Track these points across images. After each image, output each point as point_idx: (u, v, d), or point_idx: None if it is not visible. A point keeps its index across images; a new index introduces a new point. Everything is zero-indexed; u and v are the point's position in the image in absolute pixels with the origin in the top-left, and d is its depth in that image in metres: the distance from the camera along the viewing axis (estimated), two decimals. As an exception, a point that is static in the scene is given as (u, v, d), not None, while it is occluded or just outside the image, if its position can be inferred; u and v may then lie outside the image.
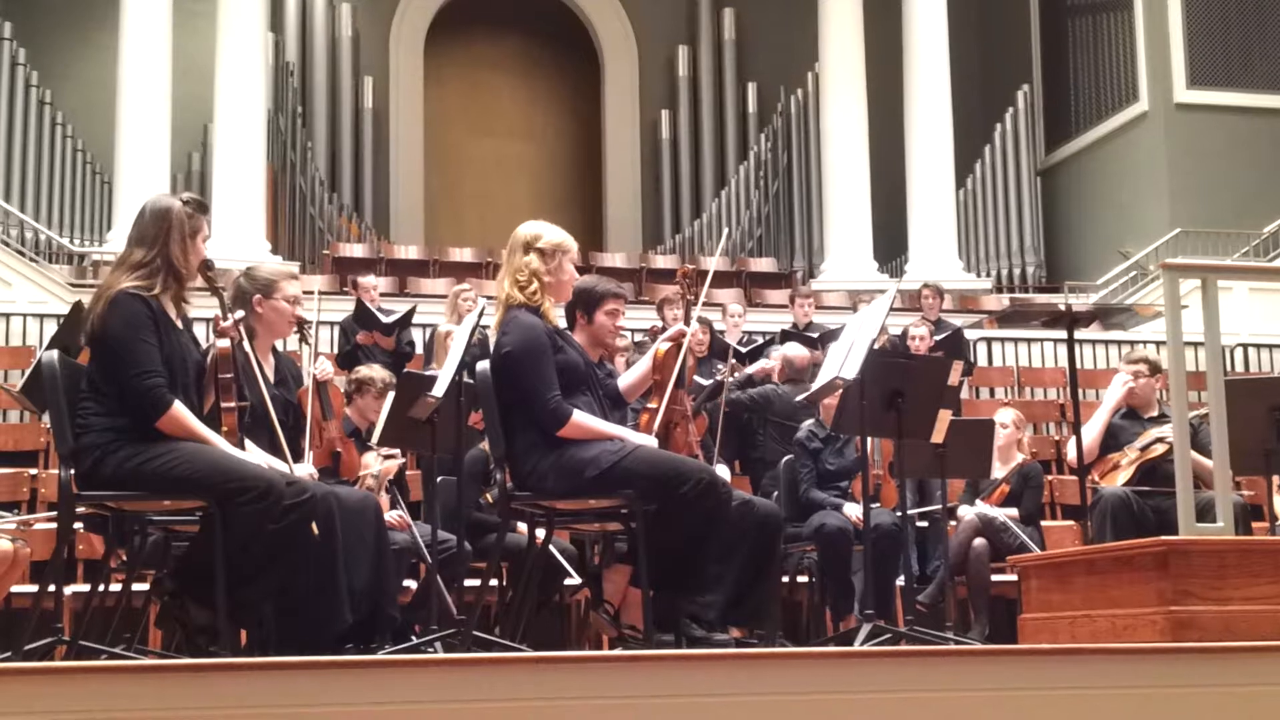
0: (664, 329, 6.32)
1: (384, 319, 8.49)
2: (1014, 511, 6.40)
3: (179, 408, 3.66)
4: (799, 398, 6.81)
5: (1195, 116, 14.29)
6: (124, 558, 4.56)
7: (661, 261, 14.64)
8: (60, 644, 3.80)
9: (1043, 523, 6.84)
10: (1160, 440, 5.72)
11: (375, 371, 6.08)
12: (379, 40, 16.66)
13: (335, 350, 8.62)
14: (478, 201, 17.04)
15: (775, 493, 6.38)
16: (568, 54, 17.71)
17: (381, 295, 10.02)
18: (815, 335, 9.10)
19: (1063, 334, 5.12)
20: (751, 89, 17.11)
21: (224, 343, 3.88)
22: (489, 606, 5.62)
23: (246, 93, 13.35)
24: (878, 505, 5.90)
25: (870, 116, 14.95)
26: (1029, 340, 11.31)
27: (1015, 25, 16.73)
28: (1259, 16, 14.67)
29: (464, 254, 14.44)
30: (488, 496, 5.92)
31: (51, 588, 3.91)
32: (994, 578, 6.22)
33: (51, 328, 8.93)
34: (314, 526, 3.69)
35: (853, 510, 5.92)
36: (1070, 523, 7.40)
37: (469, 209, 17.04)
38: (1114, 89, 15.19)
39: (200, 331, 4.16)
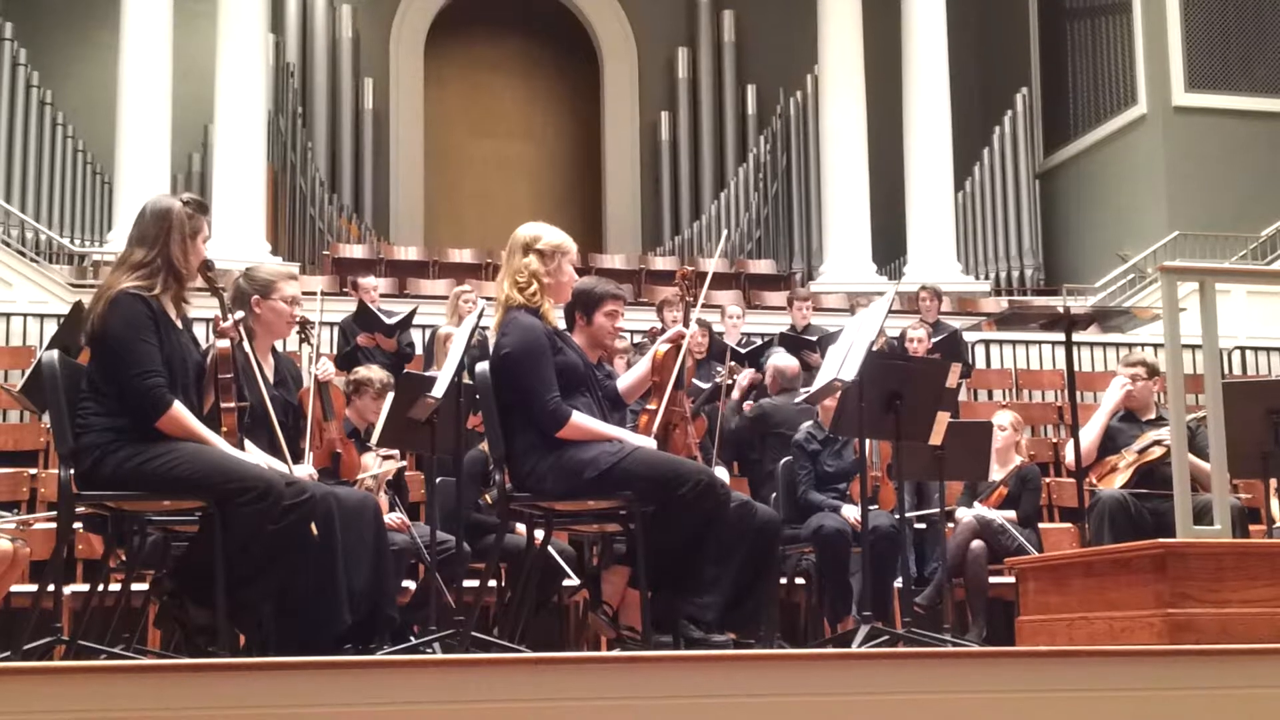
0: (663, 330, 6.32)
1: (386, 320, 8.49)
2: (1012, 514, 6.40)
3: (179, 408, 3.66)
4: (798, 399, 6.82)
5: (1193, 120, 14.30)
6: (123, 558, 4.56)
7: (660, 263, 14.65)
8: (59, 644, 3.80)
9: (1040, 525, 6.84)
10: (1158, 443, 5.72)
11: (374, 372, 6.08)
12: (379, 41, 16.67)
13: (335, 351, 8.62)
14: (477, 202, 17.04)
15: (774, 494, 6.39)
16: (567, 55, 17.72)
17: (381, 296, 10.03)
18: (813, 337, 9.11)
19: (1061, 336, 5.13)
20: (751, 91, 17.12)
21: (224, 343, 3.88)
22: (488, 607, 5.63)
23: (247, 93, 13.35)
24: (876, 507, 5.90)
25: (869, 119, 14.96)
26: (1027, 343, 11.31)
27: (1014, 28, 16.74)
28: (1257, 20, 14.68)
29: (464, 255, 14.44)
30: (487, 497, 5.92)
31: (51, 587, 3.91)
32: (992, 580, 6.23)
33: (52, 328, 8.93)
34: (313, 527, 3.69)
35: (851, 512, 5.93)
36: (1068, 525, 7.41)
37: (469, 210, 17.05)
38: (1112, 92, 15.20)
39: (200, 332, 4.17)
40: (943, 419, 5.03)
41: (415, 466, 6.99)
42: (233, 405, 3.87)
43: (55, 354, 3.86)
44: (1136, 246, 14.09)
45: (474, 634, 4.36)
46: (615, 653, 3.90)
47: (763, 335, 9.56)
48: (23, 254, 12.30)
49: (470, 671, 2.66)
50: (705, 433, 6.60)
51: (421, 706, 2.57)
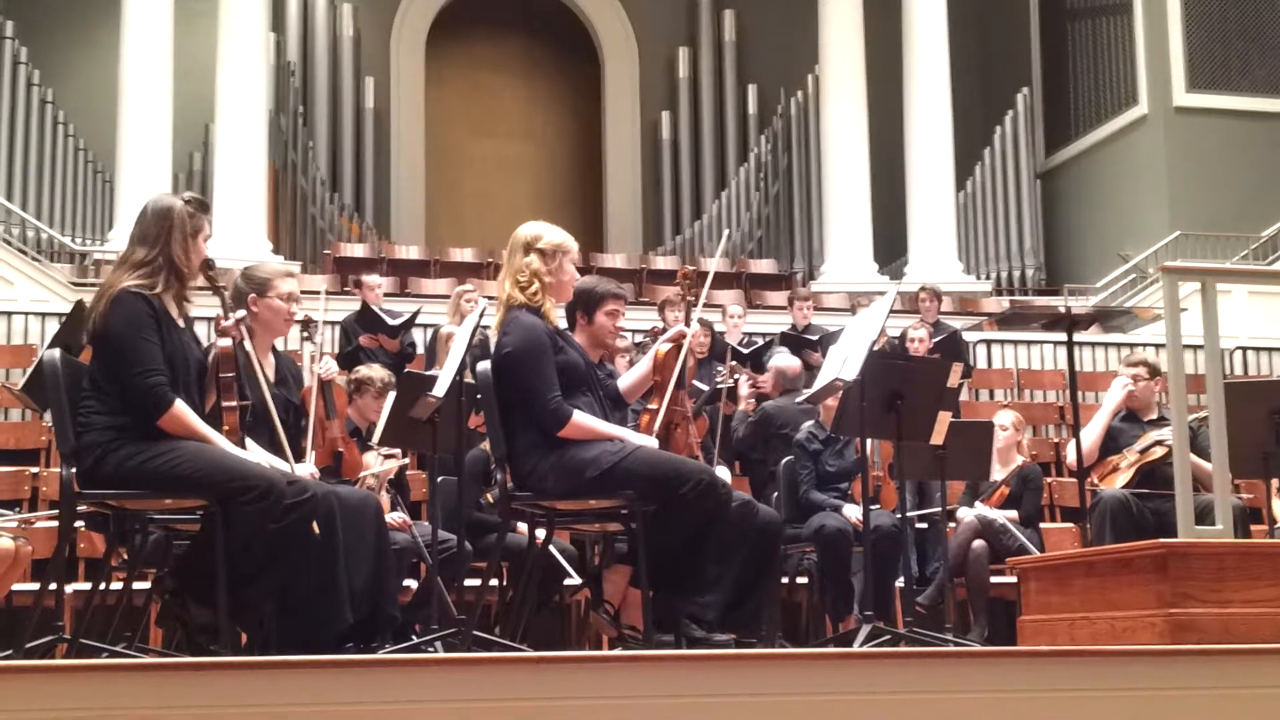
0: (664, 330, 6.32)
1: (389, 321, 8.49)
2: (1013, 513, 6.40)
3: (180, 406, 3.66)
4: (799, 400, 6.82)
5: (1194, 120, 14.30)
6: (125, 556, 4.57)
7: (662, 262, 14.65)
8: (61, 642, 3.81)
9: (1042, 525, 6.84)
10: (1160, 443, 5.72)
11: (375, 371, 6.09)
12: (380, 40, 16.67)
13: (336, 350, 8.63)
14: (478, 202, 17.04)
15: (775, 494, 6.39)
16: (568, 55, 17.71)
17: (383, 295, 10.01)
18: (814, 337, 9.11)
19: (1062, 336, 5.13)
20: (752, 90, 17.12)
21: (225, 342, 3.88)
22: (489, 606, 5.63)
23: (248, 92, 13.35)
24: (877, 507, 5.91)
25: (870, 119, 14.95)
26: (1029, 342, 11.32)
27: (1015, 28, 16.74)
28: (1258, 20, 14.69)
29: (464, 254, 14.44)
30: (488, 497, 5.92)
31: (53, 586, 3.92)
32: (993, 579, 6.22)
33: (53, 326, 8.92)
34: (315, 526, 3.69)
35: (852, 512, 5.92)
36: (1070, 525, 7.41)
37: (469, 209, 17.05)
38: (1113, 92, 15.20)
39: (201, 330, 4.17)
40: (944, 419, 5.03)
41: (417, 465, 6.99)
42: (234, 404, 3.86)
43: (57, 353, 3.86)
44: (1138, 246, 14.09)
45: (475, 633, 4.36)
46: (617, 652, 3.90)
47: (764, 335, 9.57)
48: (24, 253, 12.30)
49: (472, 671, 2.66)
50: (706, 432, 6.59)
51: (423, 705, 2.57)
